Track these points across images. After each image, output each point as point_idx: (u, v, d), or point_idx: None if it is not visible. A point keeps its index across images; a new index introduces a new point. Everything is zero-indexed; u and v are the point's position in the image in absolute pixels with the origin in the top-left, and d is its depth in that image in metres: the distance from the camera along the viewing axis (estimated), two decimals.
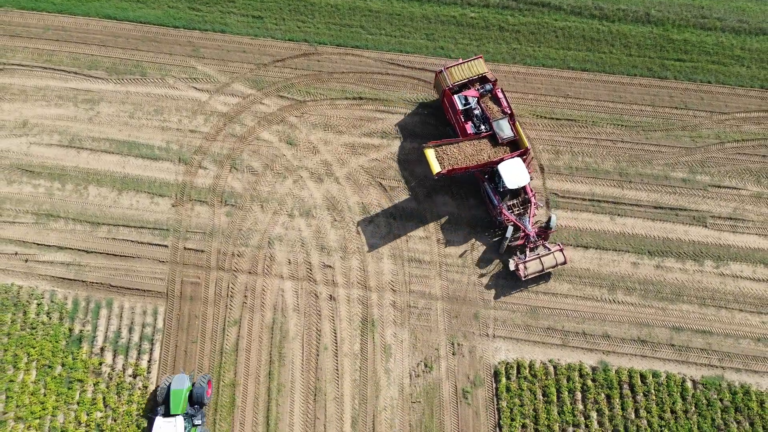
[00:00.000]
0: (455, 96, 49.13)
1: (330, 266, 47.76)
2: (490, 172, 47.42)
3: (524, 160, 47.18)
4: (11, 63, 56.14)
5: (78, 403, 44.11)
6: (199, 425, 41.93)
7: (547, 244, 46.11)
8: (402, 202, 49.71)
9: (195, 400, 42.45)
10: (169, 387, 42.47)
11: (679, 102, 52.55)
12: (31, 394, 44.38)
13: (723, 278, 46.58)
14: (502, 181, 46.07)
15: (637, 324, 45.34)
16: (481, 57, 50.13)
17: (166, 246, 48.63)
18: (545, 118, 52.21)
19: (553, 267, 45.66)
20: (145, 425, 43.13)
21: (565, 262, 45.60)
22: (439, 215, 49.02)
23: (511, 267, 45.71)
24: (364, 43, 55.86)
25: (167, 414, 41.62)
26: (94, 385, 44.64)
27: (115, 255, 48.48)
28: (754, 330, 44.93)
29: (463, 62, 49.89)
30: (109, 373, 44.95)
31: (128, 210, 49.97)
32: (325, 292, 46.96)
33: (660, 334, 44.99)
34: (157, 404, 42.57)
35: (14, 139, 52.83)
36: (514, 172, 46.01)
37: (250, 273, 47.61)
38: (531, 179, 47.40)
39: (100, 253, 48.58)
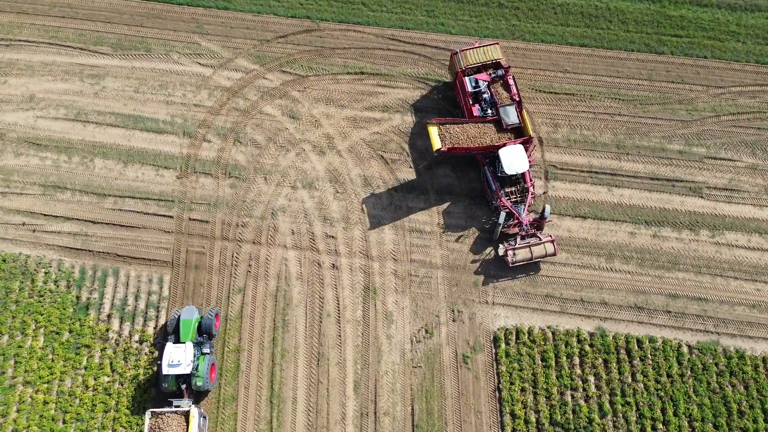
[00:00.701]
0: (466, 78, 49.52)
1: (332, 236, 48.59)
2: (492, 157, 47.86)
3: (526, 149, 47.52)
4: (18, 39, 56.98)
5: (85, 368, 44.96)
6: (207, 353, 43.33)
7: (539, 234, 46.52)
8: (403, 174, 50.55)
9: (204, 331, 44.14)
10: (178, 318, 43.98)
11: (676, 76, 53.39)
12: (39, 360, 45.24)
13: (718, 247, 47.43)
14: (501, 166, 46.50)
15: (634, 291, 46.19)
16: (497, 42, 50.75)
17: (171, 217, 49.49)
18: (544, 92, 53.04)
19: (542, 257, 46.02)
20: (147, 410, 43.90)
21: (554, 254, 45.92)
22: (439, 187, 49.85)
23: (500, 252, 46.36)
24: (365, 20, 56.71)
25: (177, 342, 43.22)
26: (101, 350, 45.47)
27: (122, 225, 49.34)
28: (749, 297, 45.78)
29: (479, 46, 50.29)
30: (115, 339, 45.81)
31: (134, 182, 50.81)
32: (327, 261, 47.80)
33: (656, 301, 45.85)
34: (168, 334, 44.14)
35: (21, 113, 53.67)
36: (514, 158, 46.30)
37: (254, 243, 48.45)
38: (531, 167, 47.72)
39: (107, 223, 49.44)
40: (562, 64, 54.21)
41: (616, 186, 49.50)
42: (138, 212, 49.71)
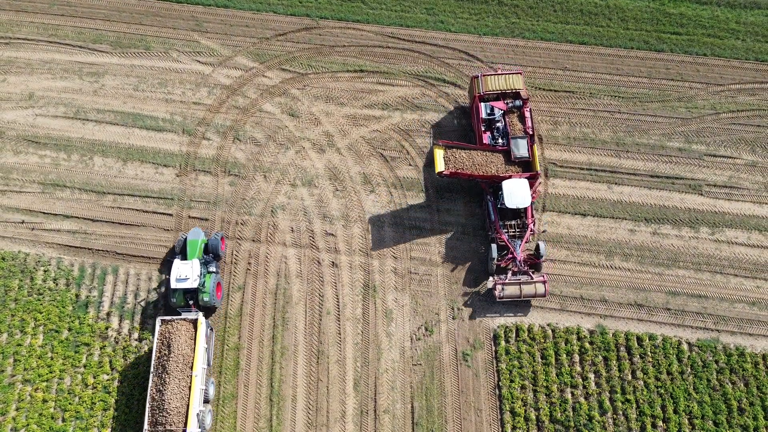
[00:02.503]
0: (482, 103, 48.47)
1: (332, 234, 48.54)
2: (496, 187, 46.89)
3: (531, 185, 46.38)
4: (17, 37, 56.99)
5: (85, 366, 44.90)
6: (214, 272, 45.45)
7: (532, 273, 45.25)
8: (403, 172, 50.52)
9: (210, 251, 46.28)
10: (185, 239, 46.31)
11: (676, 74, 53.40)
12: (39, 358, 45.17)
13: (718, 244, 47.41)
14: (502, 198, 45.39)
15: (634, 289, 46.16)
16: (520, 72, 49.43)
17: (170, 215, 49.43)
18: (544, 90, 53.02)
19: (532, 296, 44.86)
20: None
21: (544, 295, 44.65)
22: (439, 184, 49.80)
23: (489, 285, 45.61)
24: (365, 17, 56.71)
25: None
26: (101, 348, 45.41)
27: (121, 223, 49.28)
28: (749, 294, 45.77)
29: (501, 73, 49.13)
30: (115, 337, 45.74)
31: (133, 180, 50.78)
32: (327, 258, 47.76)
33: (656, 298, 45.82)
34: (175, 254, 46.67)
35: (20, 111, 53.64)
36: (516, 192, 45.06)
37: (253, 241, 48.41)
38: (533, 204, 46.66)
39: (106, 221, 49.40)
40: (562, 62, 54.22)
41: (615, 183, 49.49)
42: (137, 210, 49.67)
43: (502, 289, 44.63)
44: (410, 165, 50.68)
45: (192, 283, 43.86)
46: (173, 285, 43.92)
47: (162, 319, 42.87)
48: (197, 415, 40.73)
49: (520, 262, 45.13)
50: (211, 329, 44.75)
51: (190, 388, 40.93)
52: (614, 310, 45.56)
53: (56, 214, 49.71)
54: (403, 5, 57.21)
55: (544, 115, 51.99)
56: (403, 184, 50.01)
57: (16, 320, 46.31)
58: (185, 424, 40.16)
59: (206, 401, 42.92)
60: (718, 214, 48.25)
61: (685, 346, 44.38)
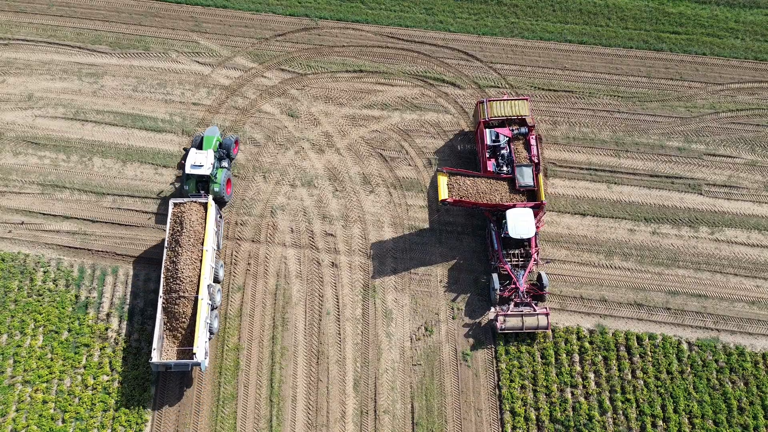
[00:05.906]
0: (486, 129, 47.83)
1: (332, 234, 48.56)
2: (499, 215, 46.25)
3: (536, 214, 45.85)
4: (16, 38, 57.02)
5: (84, 367, 44.83)
6: (225, 168, 48.32)
7: (534, 304, 44.59)
8: (402, 172, 50.56)
9: (223, 148, 49.06)
10: (202, 136, 49.03)
11: (675, 73, 53.46)
12: (38, 359, 45.10)
13: (718, 244, 47.44)
14: (506, 227, 44.83)
15: (634, 288, 46.17)
16: (526, 98, 48.75)
17: None
18: (543, 89, 53.08)
19: (534, 329, 44.25)
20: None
21: (547, 328, 44.12)
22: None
23: (491, 316, 45.27)
24: (364, 18, 56.76)
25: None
26: (101, 349, 45.36)
27: (120, 224, 49.27)
28: (749, 293, 45.79)
29: (507, 99, 48.37)
30: (115, 338, 45.72)
31: (133, 180, 50.78)
32: (327, 259, 47.76)
33: (656, 297, 45.83)
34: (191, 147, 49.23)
35: (20, 112, 53.64)
36: (521, 222, 44.40)
37: (253, 241, 48.41)
38: (537, 234, 46.08)
39: (106, 222, 49.38)
40: (561, 62, 54.28)
41: (615, 183, 49.52)
42: (137, 211, 49.64)
43: (504, 320, 43.93)
44: (409, 165, 50.71)
45: (206, 170, 46.45)
46: (188, 170, 46.53)
47: (174, 202, 45.64)
48: (208, 287, 43.51)
49: (522, 292, 44.61)
50: (221, 216, 47.51)
51: (201, 261, 43.83)
52: (614, 310, 45.58)
53: (56, 215, 49.68)
54: (402, 5, 57.26)
55: (544, 115, 52.03)
56: (403, 184, 50.03)
57: (15, 321, 46.25)
58: (197, 291, 43.21)
59: (216, 281, 45.73)
60: (717, 213, 48.29)
61: (684, 346, 44.39)
